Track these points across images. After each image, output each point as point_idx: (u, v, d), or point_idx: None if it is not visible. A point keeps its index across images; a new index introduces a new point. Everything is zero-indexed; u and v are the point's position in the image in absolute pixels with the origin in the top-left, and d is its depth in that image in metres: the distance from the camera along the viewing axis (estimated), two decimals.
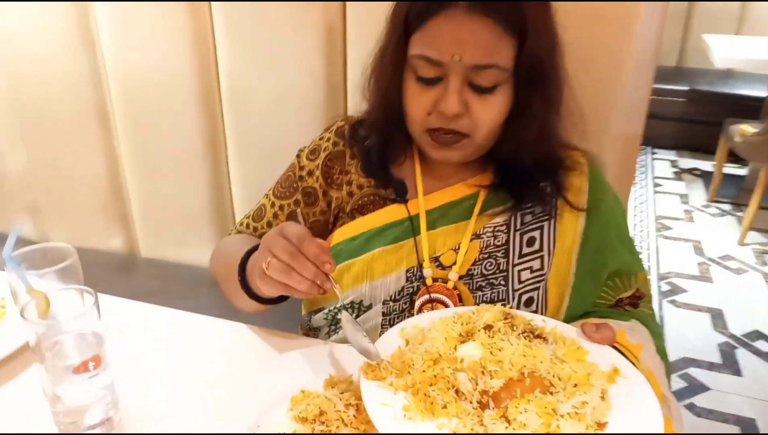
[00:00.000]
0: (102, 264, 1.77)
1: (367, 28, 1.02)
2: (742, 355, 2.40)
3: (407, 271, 1.02)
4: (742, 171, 4.00)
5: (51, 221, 1.86)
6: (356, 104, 1.09)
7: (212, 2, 1.44)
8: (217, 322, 1.04)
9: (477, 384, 0.74)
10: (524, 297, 1.01)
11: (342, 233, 1.06)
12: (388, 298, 1.02)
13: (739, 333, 2.53)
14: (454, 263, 1.01)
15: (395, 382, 0.77)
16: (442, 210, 1.03)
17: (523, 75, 0.92)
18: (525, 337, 0.80)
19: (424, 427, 0.72)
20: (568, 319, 1.00)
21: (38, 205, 1.84)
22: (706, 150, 4.21)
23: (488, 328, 0.81)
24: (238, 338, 1.00)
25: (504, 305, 0.88)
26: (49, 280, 0.85)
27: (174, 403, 0.86)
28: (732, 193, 3.75)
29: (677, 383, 2.24)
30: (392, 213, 1.04)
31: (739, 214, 3.56)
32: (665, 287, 2.85)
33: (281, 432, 0.76)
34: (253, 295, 0.95)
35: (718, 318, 2.63)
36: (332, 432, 0.76)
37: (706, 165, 4.23)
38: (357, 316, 1.04)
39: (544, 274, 1.01)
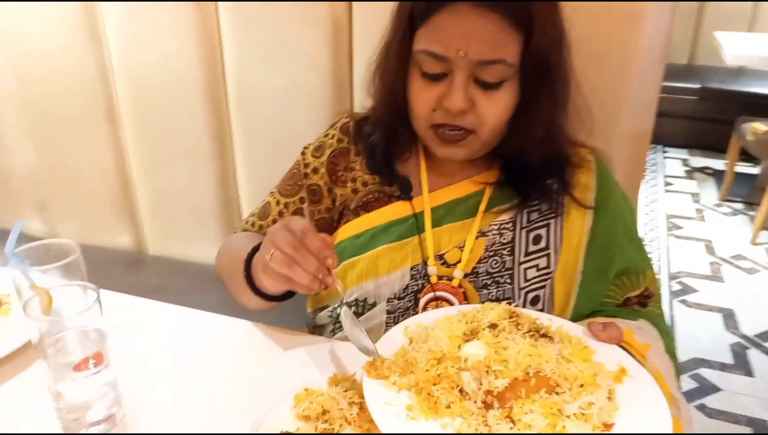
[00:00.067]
0: (110, 261, 1.78)
1: (374, 24, 1.01)
2: (754, 355, 2.37)
3: (412, 268, 1.01)
4: (754, 169, 3.96)
5: (59, 218, 1.87)
6: (363, 101, 1.08)
7: (218, 1, 1.44)
8: (221, 319, 1.03)
9: (481, 384, 0.73)
10: (530, 295, 1.00)
11: (346, 230, 1.06)
12: (393, 296, 1.01)
13: (751, 333, 2.50)
14: (459, 261, 1.00)
15: (398, 381, 0.76)
16: (447, 207, 1.03)
17: (529, 71, 0.91)
18: (530, 336, 0.78)
19: (428, 426, 0.71)
20: (575, 318, 0.98)
21: (46, 202, 1.85)
22: (717, 148, 4.16)
23: (493, 326, 0.80)
24: (243, 335, 1.00)
25: (509, 303, 0.87)
26: (52, 276, 0.85)
27: (178, 399, 0.86)
28: (744, 192, 3.71)
29: (688, 384, 2.22)
30: (397, 210, 1.04)
31: (752, 213, 3.53)
32: (676, 287, 2.82)
33: (284, 430, 0.76)
34: (257, 291, 0.94)
35: (729, 318, 2.60)
36: (335, 430, 0.76)
37: (717, 163, 4.19)
38: (361, 314, 1.03)
39: (550, 273, 1.00)
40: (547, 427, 0.68)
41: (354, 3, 1.34)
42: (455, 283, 0.99)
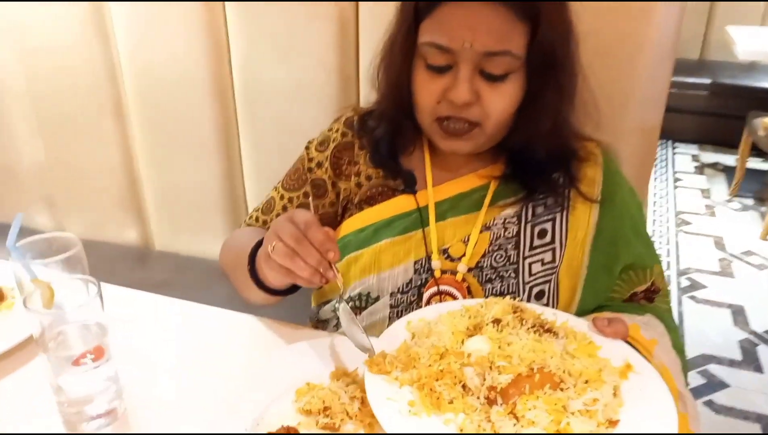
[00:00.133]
0: (117, 256, 1.79)
1: (380, 20, 1.01)
2: (764, 351, 2.35)
3: (415, 263, 1.00)
4: (765, 165, 3.93)
5: (66, 214, 1.88)
6: (369, 97, 1.08)
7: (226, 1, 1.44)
8: (225, 314, 1.03)
9: (484, 379, 0.72)
10: (535, 290, 0.99)
11: (350, 225, 1.05)
12: (396, 290, 1.01)
13: (761, 329, 2.48)
14: (464, 255, 0.99)
15: (401, 377, 0.75)
16: (452, 201, 1.02)
17: (535, 63, 0.90)
18: (535, 332, 0.78)
19: (430, 422, 0.70)
20: (581, 313, 0.97)
21: (54, 197, 1.86)
22: (728, 144, 4.12)
23: (497, 321, 0.79)
24: (246, 329, 1.00)
25: (514, 298, 0.86)
26: (53, 269, 0.84)
27: (180, 393, 0.85)
28: (755, 188, 3.68)
29: (696, 380, 2.20)
30: (401, 204, 1.03)
31: (762, 208, 3.50)
32: (685, 283, 2.80)
33: (285, 424, 0.75)
34: (261, 285, 0.94)
35: (739, 314, 2.58)
36: (336, 425, 0.75)
37: (728, 159, 4.15)
38: (364, 308, 1.02)
39: (555, 267, 0.99)
40: (551, 423, 0.67)
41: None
42: (459, 277, 0.99)
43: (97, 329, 0.76)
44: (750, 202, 3.61)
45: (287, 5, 1.38)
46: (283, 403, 0.80)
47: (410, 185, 1.03)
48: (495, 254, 0.99)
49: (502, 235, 0.99)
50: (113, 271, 1.61)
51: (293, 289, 0.94)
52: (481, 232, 0.99)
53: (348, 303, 1.03)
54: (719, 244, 3.15)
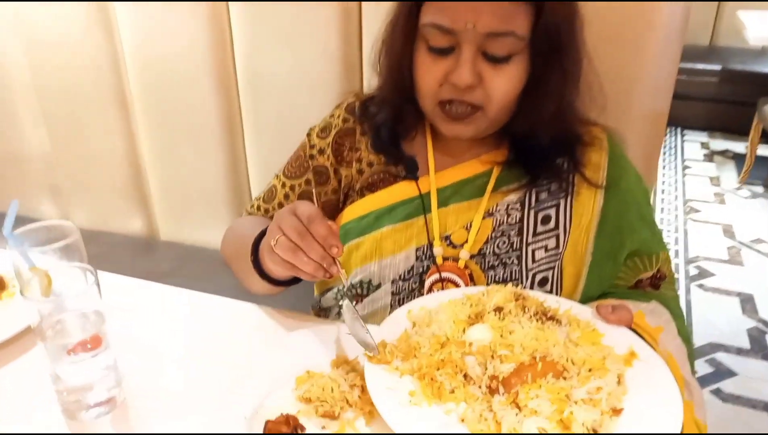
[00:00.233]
0: (122, 246, 1.80)
1: (383, 7, 0.99)
2: None
3: (417, 249, 0.99)
4: None
5: (72, 205, 1.89)
6: (372, 84, 1.07)
7: None
8: (227, 302, 1.03)
9: (486, 368, 0.71)
10: (538, 277, 0.97)
11: (351, 212, 1.04)
12: (398, 278, 1.00)
13: None
14: (466, 242, 0.98)
15: (401, 366, 0.75)
16: (454, 187, 1.00)
17: (539, 46, 0.88)
18: (537, 319, 0.77)
19: (431, 412, 0.69)
20: (585, 301, 0.96)
21: (59, 188, 1.87)
22: (738, 131, 4.08)
23: (498, 310, 0.78)
24: (248, 318, 0.99)
25: (517, 285, 0.85)
26: (51, 257, 0.84)
27: (180, 382, 0.85)
28: (765, 175, 3.64)
29: (704, 368, 2.19)
30: (403, 190, 1.02)
31: None
32: (693, 271, 2.78)
33: (285, 412, 0.74)
34: (265, 275, 0.93)
35: (747, 302, 2.56)
36: (336, 412, 0.74)
37: (738, 146, 4.11)
38: (366, 296, 1.02)
39: (559, 254, 0.97)
40: (554, 412, 0.67)
41: None
42: (461, 264, 0.97)
43: (95, 318, 0.76)
44: (760, 189, 3.58)
45: None
46: (283, 391, 0.79)
47: (412, 171, 1.01)
48: (498, 241, 0.98)
49: (505, 221, 0.98)
50: (118, 260, 1.62)
51: (297, 279, 0.94)
52: (483, 218, 0.98)
53: (350, 291, 1.02)
54: (728, 232, 3.12)
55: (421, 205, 1.00)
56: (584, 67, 0.94)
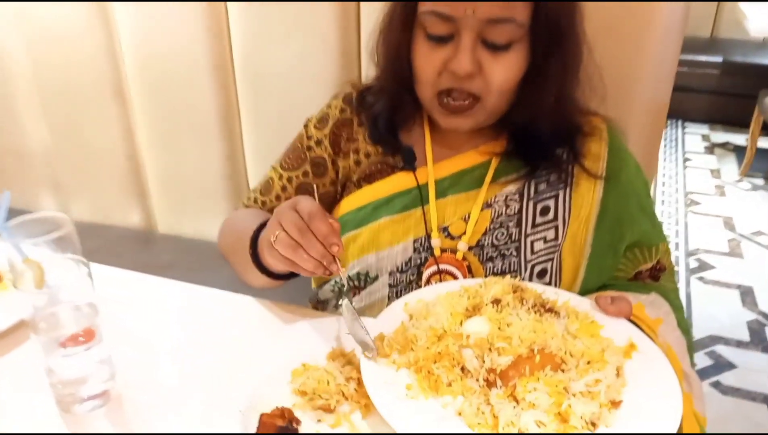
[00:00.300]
0: (120, 239, 1.80)
1: None
2: None
3: (415, 241, 0.98)
4: None
5: (71, 198, 1.89)
6: (370, 74, 1.05)
7: None
8: (224, 295, 1.02)
9: (484, 361, 0.71)
10: (537, 268, 0.96)
11: (349, 203, 1.03)
12: (395, 269, 0.99)
13: None
14: (464, 233, 0.97)
15: (397, 360, 0.74)
16: (452, 179, 0.99)
17: (539, 34, 0.87)
18: (535, 312, 0.76)
19: (428, 405, 0.69)
20: (584, 293, 0.95)
21: (59, 181, 1.88)
22: (739, 123, 4.06)
23: (496, 302, 0.77)
24: (245, 311, 0.99)
25: (515, 277, 0.84)
26: (44, 249, 0.83)
27: (176, 375, 0.84)
28: (766, 168, 3.64)
29: (704, 361, 2.19)
30: (400, 182, 1.01)
31: None
32: (693, 264, 2.78)
33: (280, 405, 0.74)
34: (264, 269, 0.92)
35: (747, 295, 2.56)
36: (332, 405, 0.74)
37: (739, 139, 4.10)
38: (363, 288, 1.01)
39: (558, 245, 0.96)
40: (552, 405, 0.66)
41: None
42: (459, 255, 0.96)
43: (88, 310, 0.75)
44: (760, 182, 3.57)
45: None
46: (279, 384, 0.78)
47: (410, 162, 1.00)
48: (496, 232, 0.97)
49: (503, 212, 0.97)
50: (117, 253, 1.61)
51: (296, 273, 0.92)
52: (482, 209, 0.97)
53: (347, 283, 1.01)
54: (729, 225, 3.12)
55: (419, 197, 0.99)
56: (584, 58, 0.93)
